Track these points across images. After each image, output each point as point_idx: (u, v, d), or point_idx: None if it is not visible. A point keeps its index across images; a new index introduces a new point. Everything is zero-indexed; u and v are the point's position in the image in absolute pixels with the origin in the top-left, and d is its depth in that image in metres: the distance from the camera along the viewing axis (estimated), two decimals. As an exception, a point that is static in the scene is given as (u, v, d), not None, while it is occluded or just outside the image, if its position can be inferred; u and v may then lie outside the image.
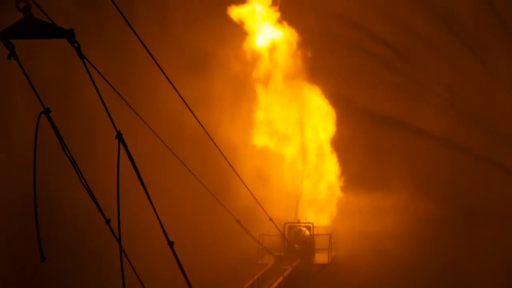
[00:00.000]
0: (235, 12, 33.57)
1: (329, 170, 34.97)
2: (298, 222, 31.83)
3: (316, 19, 35.32)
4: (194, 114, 15.84)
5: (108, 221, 10.69)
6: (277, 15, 33.90)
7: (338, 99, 35.11)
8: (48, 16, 9.94)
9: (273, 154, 34.48)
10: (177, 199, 32.89)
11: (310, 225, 31.35)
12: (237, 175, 20.93)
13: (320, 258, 30.88)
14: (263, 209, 24.39)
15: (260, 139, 34.20)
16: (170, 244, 10.87)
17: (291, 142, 34.39)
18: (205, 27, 34.54)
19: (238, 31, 33.72)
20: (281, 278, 27.09)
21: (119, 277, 10.51)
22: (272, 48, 33.95)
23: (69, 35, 9.45)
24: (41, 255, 10.42)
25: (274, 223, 26.91)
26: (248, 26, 33.65)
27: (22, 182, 28.92)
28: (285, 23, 33.95)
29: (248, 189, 22.00)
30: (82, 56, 9.74)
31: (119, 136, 10.15)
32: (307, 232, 31.11)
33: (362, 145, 36.50)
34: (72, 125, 31.84)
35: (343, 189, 35.09)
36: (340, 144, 35.19)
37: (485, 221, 35.45)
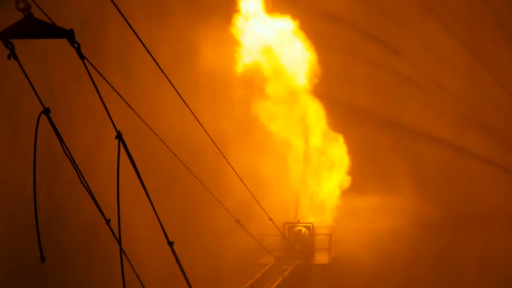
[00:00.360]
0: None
1: (329, 170, 34.95)
2: (298, 222, 31.82)
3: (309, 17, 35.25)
4: (194, 115, 15.84)
5: (108, 221, 10.70)
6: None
7: (338, 100, 35.11)
8: (48, 16, 9.94)
9: (272, 152, 34.46)
10: (176, 199, 32.87)
11: (310, 225, 31.35)
12: (237, 175, 20.93)
13: (320, 258, 30.87)
14: (263, 209, 24.39)
15: (259, 134, 34.20)
16: (170, 244, 10.88)
17: (291, 142, 34.38)
18: (190, 22, 34.42)
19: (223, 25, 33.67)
20: (281, 278, 27.08)
21: (119, 277, 10.51)
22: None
23: (69, 35, 9.44)
24: (41, 255, 10.43)
25: (274, 223, 26.90)
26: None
27: (22, 182, 28.93)
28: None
29: (248, 189, 22.01)
30: (82, 56, 9.74)
31: (119, 136, 10.15)
32: (307, 232, 31.10)
33: (362, 146, 36.47)
34: (72, 125, 31.83)
35: (344, 189, 35.07)
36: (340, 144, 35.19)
37: (486, 222, 35.44)
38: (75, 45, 9.52)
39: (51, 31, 9.48)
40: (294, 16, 33.97)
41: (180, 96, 14.16)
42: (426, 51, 37.12)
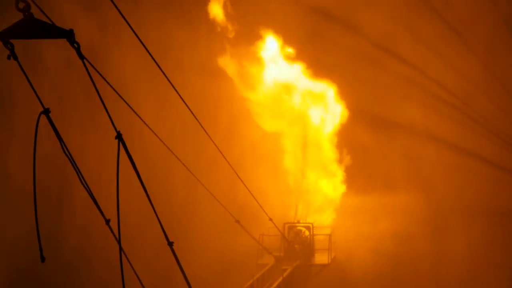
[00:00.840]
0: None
1: (329, 171, 34.95)
2: (298, 222, 31.84)
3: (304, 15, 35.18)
4: (193, 114, 15.84)
5: (107, 222, 10.70)
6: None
7: (339, 100, 35.05)
8: (48, 16, 9.94)
9: (272, 152, 34.45)
10: (176, 199, 32.87)
11: (310, 225, 31.36)
12: (237, 174, 20.94)
13: (320, 258, 30.89)
14: (262, 209, 24.39)
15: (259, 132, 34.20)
16: (170, 244, 10.90)
17: (292, 141, 34.37)
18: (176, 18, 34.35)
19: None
20: (281, 278, 27.10)
21: (119, 277, 10.51)
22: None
23: (69, 35, 9.44)
24: (41, 255, 10.43)
25: (274, 223, 26.91)
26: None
27: (23, 182, 28.91)
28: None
29: (248, 189, 22.01)
30: (81, 56, 9.74)
31: (119, 136, 10.16)
32: (307, 232, 31.11)
33: (363, 146, 36.44)
34: (72, 125, 31.82)
35: (344, 189, 35.05)
36: (341, 145, 35.17)
37: (487, 223, 35.39)
38: (75, 45, 9.52)
39: (51, 31, 9.47)
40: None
41: (181, 97, 14.15)
42: (423, 47, 37.02)
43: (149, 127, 14.70)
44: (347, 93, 35.47)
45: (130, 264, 11.00)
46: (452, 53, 36.79)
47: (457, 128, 37.10)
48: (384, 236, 33.74)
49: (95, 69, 10.22)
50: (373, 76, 36.79)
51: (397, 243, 33.59)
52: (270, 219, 26.21)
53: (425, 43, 36.73)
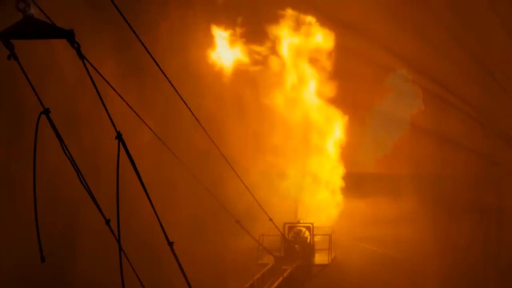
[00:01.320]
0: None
1: (330, 172, 34.95)
2: (298, 222, 31.84)
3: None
4: (192, 112, 15.86)
5: (108, 222, 10.71)
6: None
7: (341, 100, 35.00)
8: (48, 16, 9.95)
9: (272, 152, 34.45)
10: (176, 199, 32.86)
11: (310, 225, 31.37)
12: (237, 175, 20.95)
13: (320, 258, 30.91)
14: (263, 209, 24.40)
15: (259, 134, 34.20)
16: (170, 244, 10.92)
17: (292, 140, 34.36)
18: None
19: None
20: (281, 279, 27.12)
21: (119, 277, 10.52)
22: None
23: (69, 35, 9.45)
24: (41, 255, 10.44)
25: (274, 223, 26.91)
26: None
27: (24, 183, 28.88)
28: None
29: (248, 189, 22.02)
30: (82, 57, 9.75)
31: (119, 137, 10.17)
32: (307, 233, 31.13)
33: (364, 147, 36.42)
34: (72, 125, 31.81)
35: (344, 190, 35.05)
36: (341, 145, 35.17)
37: (489, 224, 35.36)
38: (75, 45, 9.53)
39: (51, 31, 9.49)
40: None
41: (180, 96, 14.16)
42: (433, 54, 36.88)
43: (149, 127, 14.71)
44: (350, 93, 35.36)
45: (130, 264, 11.01)
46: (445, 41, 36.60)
47: (461, 130, 36.96)
48: (386, 238, 33.72)
49: (95, 69, 10.23)
50: (378, 78, 36.62)
51: (398, 244, 33.57)
52: (270, 219, 26.22)
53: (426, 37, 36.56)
